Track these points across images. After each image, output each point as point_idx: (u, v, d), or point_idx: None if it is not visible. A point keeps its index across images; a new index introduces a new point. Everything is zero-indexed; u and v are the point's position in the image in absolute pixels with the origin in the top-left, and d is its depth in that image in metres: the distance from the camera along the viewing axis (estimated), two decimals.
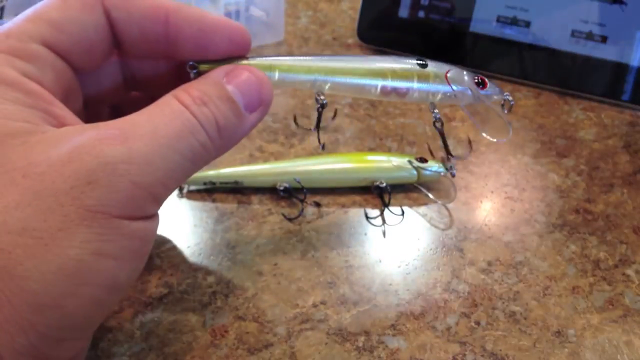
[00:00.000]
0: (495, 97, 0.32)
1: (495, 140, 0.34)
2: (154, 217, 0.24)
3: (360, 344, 0.31)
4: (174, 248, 0.36)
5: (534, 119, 0.48)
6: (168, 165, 0.23)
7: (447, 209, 0.39)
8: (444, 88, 0.30)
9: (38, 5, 0.24)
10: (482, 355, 0.30)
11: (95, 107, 0.29)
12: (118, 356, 0.30)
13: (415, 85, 0.30)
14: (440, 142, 0.33)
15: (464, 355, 0.30)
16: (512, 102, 0.31)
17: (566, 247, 0.37)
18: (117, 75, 0.29)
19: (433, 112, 0.32)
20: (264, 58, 0.27)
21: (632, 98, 0.50)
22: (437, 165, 0.40)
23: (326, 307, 0.33)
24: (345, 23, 0.60)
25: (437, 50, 0.54)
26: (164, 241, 0.36)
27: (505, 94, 0.32)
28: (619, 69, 0.50)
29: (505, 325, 0.32)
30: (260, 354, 0.30)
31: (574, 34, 0.50)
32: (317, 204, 0.39)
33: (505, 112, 0.31)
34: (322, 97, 0.29)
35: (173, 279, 0.34)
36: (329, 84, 0.29)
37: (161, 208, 0.24)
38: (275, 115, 0.47)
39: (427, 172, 0.40)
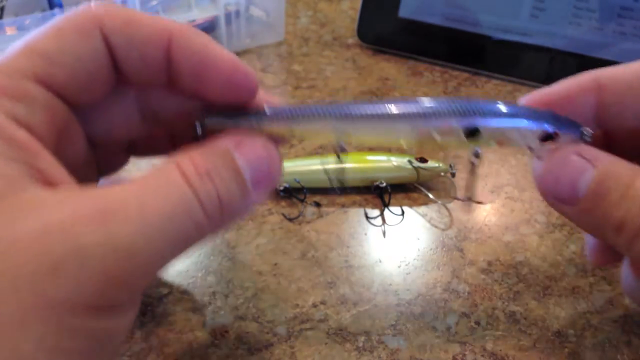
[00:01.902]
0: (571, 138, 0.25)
1: None
2: (128, 308, 0.21)
3: (360, 344, 0.31)
4: None
5: None
6: (151, 252, 0.19)
7: (447, 209, 0.39)
8: (494, 144, 0.25)
9: (31, 36, 0.22)
10: (482, 355, 0.30)
11: (108, 146, 0.27)
12: (118, 356, 0.30)
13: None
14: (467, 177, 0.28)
15: (464, 355, 0.30)
16: (588, 139, 0.25)
17: (566, 247, 0.37)
18: (130, 111, 0.26)
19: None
20: (283, 113, 0.24)
21: None
22: (437, 164, 0.40)
23: (326, 307, 0.33)
24: (345, 23, 0.60)
25: (437, 50, 0.54)
26: None
27: (581, 129, 0.25)
28: None
29: (505, 325, 0.32)
30: (260, 354, 0.30)
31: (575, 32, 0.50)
32: (317, 204, 0.39)
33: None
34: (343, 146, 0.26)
35: (173, 279, 0.34)
36: (354, 138, 0.25)
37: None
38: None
39: (427, 172, 0.40)
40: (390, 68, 0.54)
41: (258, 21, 0.55)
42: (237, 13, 0.53)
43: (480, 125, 0.24)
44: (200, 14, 0.52)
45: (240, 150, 0.22)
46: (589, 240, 0.30)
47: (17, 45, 0.22)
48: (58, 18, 0.22)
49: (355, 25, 0.56)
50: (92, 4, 0.23)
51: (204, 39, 0.23)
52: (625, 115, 0.26)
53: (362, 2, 0.55)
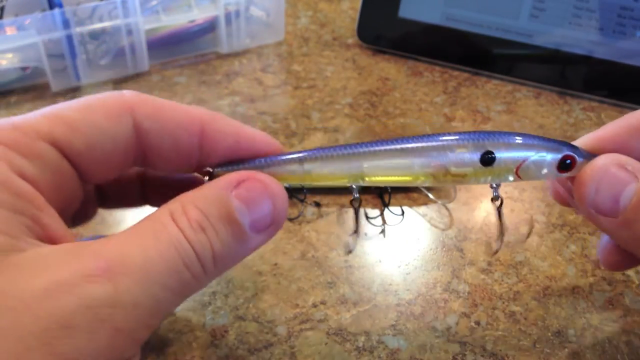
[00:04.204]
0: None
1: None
2: (132, 358, 0.21)
3: (360, 344, 0.31)
4: None
5: (534, 119, 0.48)
6: (155, 304, 0.20)
7: (447, 209, 0.39)
8: (512, 177, 0.25)
9: (59, 104, 0.22)
10: (482, 355, 0.30)
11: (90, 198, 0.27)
12: None
13: (477, 180, 0.25)
14: (495, 220, 0.29)
15: (464, 355, 0.30)
16: None
17: (566, 247, 0.37)
18: (130, 175, 0.27)
19: (493, 186, 0.27)
20: (293, 156, 0.24)
21: (632, 98, 0.50)
22: None
23: (326, 307, 0.33)
24: (345, 23, 0.60)
25: (437, 50, 0.54)
26: None
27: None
28: (619, 69, 0.50)
29: (505, 325, 0.32)
30: (260, 354, 0.30)
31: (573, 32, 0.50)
32: (317, 204, 0.39)
33: None
34: (356, 195, 0.26)
35: None
36: (369, 179, 0.25)
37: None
38: (276, 116, 0.47)
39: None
40: (390, 68, 0.54)
41: (258, 21, 0.55)
42: (237, 13, 0.53)
43: (495, 151, 0.24)
44: (200, 14, 0.52)
45: (239, 193, 0.22)
46: (603, 242, 0.29)
47: (44, 109, 0.22)
48: (89, 96, 0.23)
49: (355, 25, 0.56)
50: (124, 91, 0.23)
51: (234, 121, 0.24)
52: None
53: (362, 2, 0.55)
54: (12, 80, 0.48)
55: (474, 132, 0.24)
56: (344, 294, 0.33)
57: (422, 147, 0.24)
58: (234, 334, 0.31)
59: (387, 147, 0.24)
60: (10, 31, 0.45)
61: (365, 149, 0.24)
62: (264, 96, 0.49)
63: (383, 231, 0.38)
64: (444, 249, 0.37)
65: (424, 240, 0.37)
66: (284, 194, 0.23)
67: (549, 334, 0.32)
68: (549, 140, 0.25)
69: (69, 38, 0.46)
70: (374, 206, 0.39)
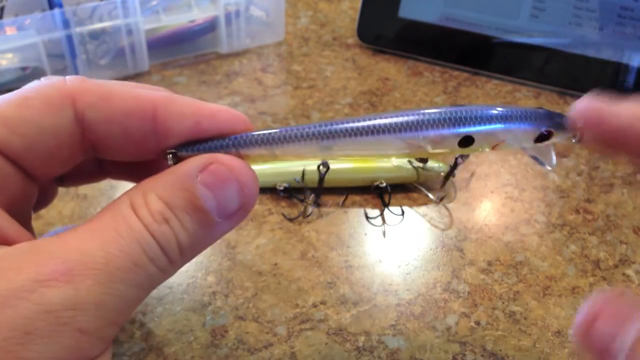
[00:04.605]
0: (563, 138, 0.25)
1: (547, 168, 0.27)
2: (101, 354, 0.20)
3: (360, 344, 0.31)
4: None
5: None
6: (121, 302, 0.19)
7: (447, 209, 0.39)
8: (487, 150, 0.25)
9: None
10: (482, 355, 0.30)
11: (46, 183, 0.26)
12: (118, 356, 0.30)
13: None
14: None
15: (464, 355, 0.30)
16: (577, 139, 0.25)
17: (566, 247, 0.37)
18: (87, 160, 0.24)
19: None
20: (260, 137, 0.23)
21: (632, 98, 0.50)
22: (437, 164, 0.40)
23: (326, 307, 0.33)
24: (345, 23, 0.60)
25: (437, 50, 0.54)
26: None
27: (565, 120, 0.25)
28: (618, 69, 0.50)
29: (505, 325, 0.32)
30: (260, 354, 0.30)
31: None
32: (317, 204, 0.39)
33: (574, 141, 0.25)
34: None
35: (173, 278, 0.34)
36: (339, 156, 0.24)
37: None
38: (276, 116, 0.47)
39: (427, 172, 0.40)
40: (390, 68, 0.54)
41: (258, 21, 0.55)
42: (237, 13, 0.53)
43: (474, 133, 0.23)
44: (200, 14, 0.52)
45: (204, 177, 0.21)
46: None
47: None
48: (28, 86, 0.21)
49: (355, 25, 0.56)
50: (67, 78, 0.22)
51: (192, 100, 0.22)
52: None
53: (362, 2, 0.55)
54: (12, 80, 0.48)
55: (455, 111, 0.23)
56: (344, 294, 0.33)
57: (399, 128, 0.23)
58: (234, 334, 0.31)
59: (360, 125, 0.23)
60: (10, 31, 0.45)
61: (338, 127, 0.23)
62: (264, 96, 0.49)
63: (383, 231, 0.38)
64: (444, 249, 0.37)
65: (424, 240, 0.37)
66: (252, 176, 0.22)
67: (549, 334, 0.32)
68: (525, 111, 0.24)
69: (69, 38, 0.46)
70: (374, 206, 0.39)
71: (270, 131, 0.23)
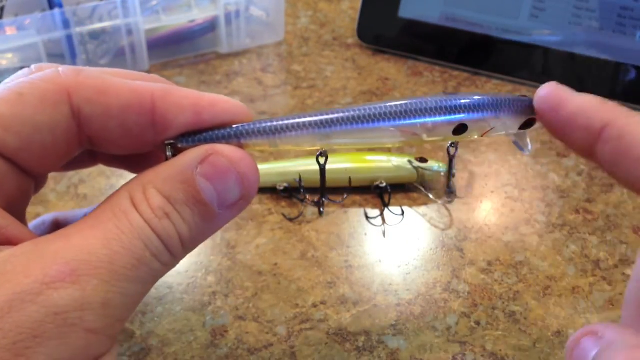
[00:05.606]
0: None
1: (525, 153, 0.28)
2: (112, 352, 0.21)
3: (360, 344, 0.31)
4: None
5: None
6: (126, 299, 0.20)
7: (447, 209, 0.39)
8: (476, 137, 0.26)
9: None
10: (482, 355, 0.30)
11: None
12: (118, 356, 0.30)
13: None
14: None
15: (464, 355, 0.30)
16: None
17: (566, 247, 0.37)
18: (83, 153, 0.24)
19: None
20: (261, 127, 0.23)
21: (633, 98, 0.50)
22: (437, 164, 0.40)
23: (326, 307, 0.33)
24: (345, 23, 0.60)
25: (437, 50, 0.54)
26: None
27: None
28: (618, 69, 0.50)
29: (505, 325, 0.32)
30: (260, 354, 0.30)
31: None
32: (317, 204, 0.39)
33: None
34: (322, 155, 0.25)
35: (173, 279, 0.34)
36: (338, 145, 0.24)
37: None
38: (276, 116, 0.47)
39: (427, 172, 0.40)
40: (390, 68, 0.54)
41: (258, 21, 0.55)
42: (237, 13, 0.53)
43: (469, 121, 0.24)
44: (200, 14, 0.52)
45: (204, 169, 0.21)
46: None
47: None
48: (21, 80, 0.21)
49: (355, 25, 0.56)
50: (61, 70, 0.21)
51: (191, 91, 0.22)
52: None
53: (362, 2, 0.55)
54: None
55: (450, 99, 0.24)
56: (344, 294, 0.33)
57: (397, 115, 0.23)
58: (234, 334, 0.31)
59: (357, 113, 0.23)
60: (10, 31, 0.45)
61: (338, 115, 0.23)
62: (264, 96, 0.49)
63: (383, 231, 0.38)
64: (444, 249, 0.37)
65: (424, 240, 0.37)
66: (252, 165, 0.22)
67: (549, 334, 0.32)
68: (513, 99, 0.25)
69: (69, 38, 0.46)
70: (374, 206, 0.39)
71: (269, 120, 0.23)
